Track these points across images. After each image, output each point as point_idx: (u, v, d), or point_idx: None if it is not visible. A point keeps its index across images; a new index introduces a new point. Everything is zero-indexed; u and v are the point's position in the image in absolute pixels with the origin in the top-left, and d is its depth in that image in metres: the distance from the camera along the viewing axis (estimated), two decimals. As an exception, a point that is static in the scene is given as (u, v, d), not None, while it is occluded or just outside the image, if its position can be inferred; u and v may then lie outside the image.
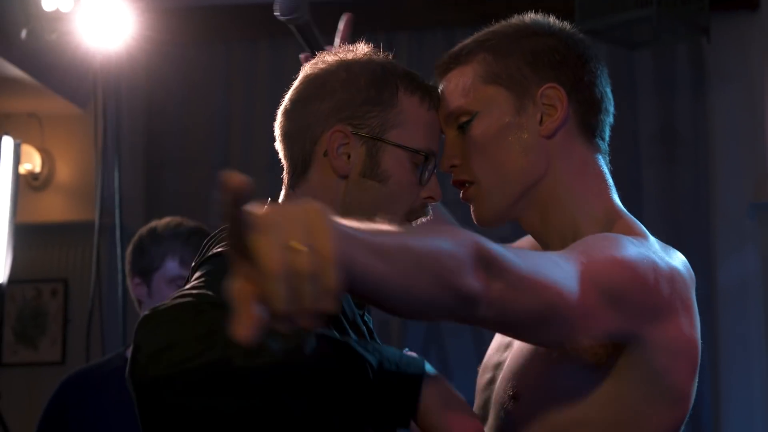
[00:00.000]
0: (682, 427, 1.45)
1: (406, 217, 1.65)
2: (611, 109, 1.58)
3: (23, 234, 4.09)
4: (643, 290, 1.35)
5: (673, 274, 1.41)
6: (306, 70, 1.65)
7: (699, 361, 1.44)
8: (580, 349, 1.36)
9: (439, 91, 1.64)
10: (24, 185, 4.60)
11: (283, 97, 1.78)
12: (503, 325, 1.29)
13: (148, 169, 5.03)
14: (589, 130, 1.55)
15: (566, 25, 1.62)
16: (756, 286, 4.37)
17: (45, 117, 4.84)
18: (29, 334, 4.71)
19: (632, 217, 1.55)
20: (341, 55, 1.65)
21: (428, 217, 1.67)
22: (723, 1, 4.33)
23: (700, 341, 1.43)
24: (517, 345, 1.55)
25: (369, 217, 1.40)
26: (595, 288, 1.26)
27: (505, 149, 1.59)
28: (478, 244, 1.13)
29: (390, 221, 1.40)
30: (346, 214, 1.40)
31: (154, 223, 3.02)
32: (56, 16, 3.87)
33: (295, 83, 1.65)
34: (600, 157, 1.56)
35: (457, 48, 1.63)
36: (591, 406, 1.38)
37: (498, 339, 1.67)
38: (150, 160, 5.06)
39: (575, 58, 1.55)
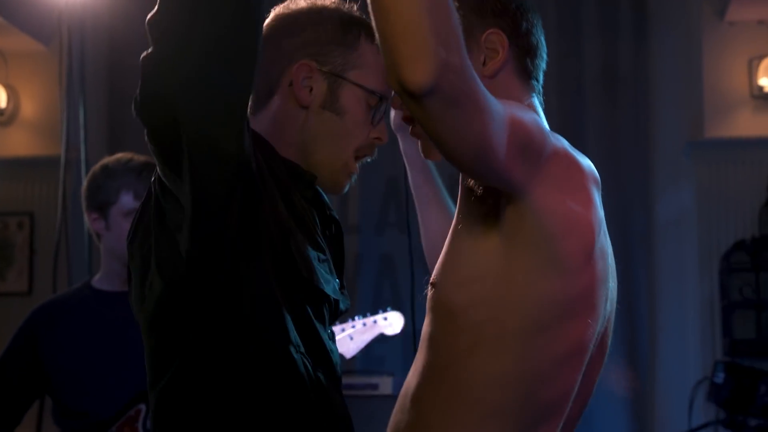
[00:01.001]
0: (594, 331, 1.52)
1: (355, 153, 1.75)
2: (545, 55, 1.69)
3: (-11, 168, 4.03)
4: (540, 151, 1.44)
5: (568, 155, 1.52)
6: (279, 8, 1.74)
7: (596, 247, 1.51)
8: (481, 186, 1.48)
9: None
10: (-11, 120, 4.77)
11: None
12: (443, 124, 1.32)
13: (111, 105, 5.06)
14: (526, 72, 1.66)
15: None
16: (691, 220, 4.54)
17: (10, 54, 4.87)
18: (-4, 265, 4.67)
19: (564, 142, 1.65)
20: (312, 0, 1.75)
21: (373, 156, 1.77)
22: None
23: (598, 231, 1.51)
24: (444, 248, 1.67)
25: (322, 146, 1.69)
26: (515, 132, 1.36)
27: None
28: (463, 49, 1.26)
29: (340, 155, 1.70)
30: (302, 142, 1.66)
31: (105, 160, 3.03)
32: None
33: (267, 19, 1.72)
34: (534, 95, 1.68)
35: None
36: (484, 263, 1.46)
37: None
38: (113, 95, 5.08)
39: (515, 8, 1.65)
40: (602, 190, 1.62)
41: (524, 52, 1.66)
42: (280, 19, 1.73)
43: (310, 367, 1.65)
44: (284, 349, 1.61)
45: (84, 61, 4.57)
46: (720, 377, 4.40)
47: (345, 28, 1.72)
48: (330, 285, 1.74)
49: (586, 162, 1.57)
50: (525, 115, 1.45)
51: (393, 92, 1.67)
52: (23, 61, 4.98)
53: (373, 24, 1.30)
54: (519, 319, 1.44)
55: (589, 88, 4.47)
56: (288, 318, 1.62)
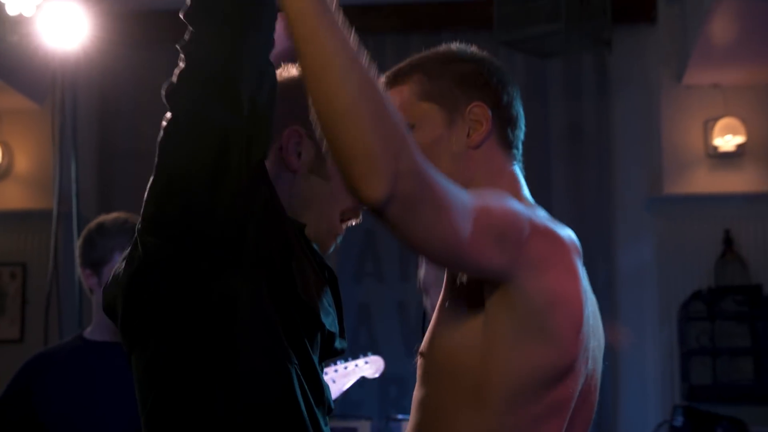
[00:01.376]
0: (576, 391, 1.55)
1: (341, 215, 1.78)
2: (523, 126, 1.73)
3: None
4: (518, 235, 1.47)
5: (549, 232, 1.55)
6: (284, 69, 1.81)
7: (583, 318, 1.54)
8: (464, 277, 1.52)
9: None
10: (-16, 176, 4.93)
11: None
12: (407, 228, 1.35)
13: (101, 160, 5.24)
14: (507, 142, 1.70)
15: (486, 54, 1.78)
16: (651, 272, 4.69)
17: (5, 112, 5.05)
18: (-12, 313, 4.75)
19: (530, 198, 1.74)
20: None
21: (359, 220, 1.81)
22: (624, 14, 4.60)
23: (585, 301, 1.54)
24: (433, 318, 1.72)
25: (309, 209, 1.72)
26: (484, 223, 1.40)
27: (438, 157, 1.65)
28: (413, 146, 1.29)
29: (326, 218, 1.73)
30: (290, 204, 1.67)
31: (101, 219, 3.05)
32: (18, 20, 3.92)
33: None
34: (515, 163, 1.72)
35: (395, 69, 1.78)
36: (471, 336, 1.50)
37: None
38: (103, 151, 5.26)
39: (496, 83, 1.70)
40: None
41: (506, 123, 1.72)
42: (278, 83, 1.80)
43: (308, 393, 1.66)
44: (281, 364, 1.62)
45: (76, 118, 4.60)
46: (679, 421, 4.52)
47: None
48: (329, 317, 1.75)
49: (566, 233, 1.61)
50: (497, 201, 1.48)
51: None
52: (18, 119, 5.12)
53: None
54: (504, 387, 1.49)
55: (554, 144, 4.66)
56: (283, 337, 1.62)
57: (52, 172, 4.60)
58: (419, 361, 1.65)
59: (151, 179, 1.51)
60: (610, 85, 5.23)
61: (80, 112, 4.70)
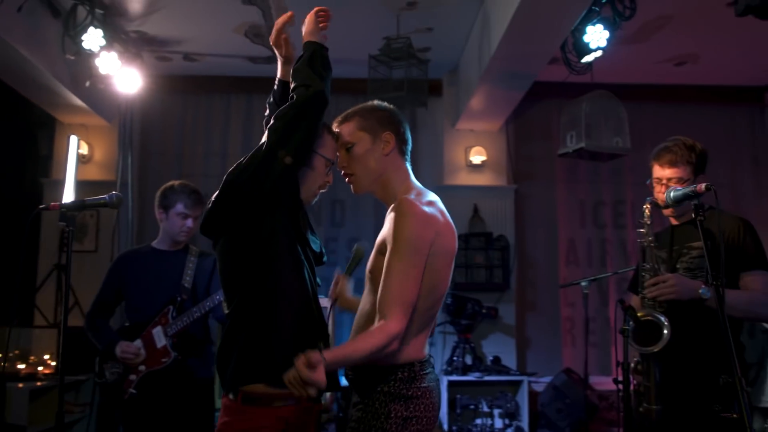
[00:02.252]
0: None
1: (319, 186, 2.32)
2: (410, 143, 2.31)
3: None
4: (430, 229, 2.06)
5: (429, 211, 2.08)
6: None
7: (453, 258, 2.15)
8: None
9: (337, 132, 2.33)
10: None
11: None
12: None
13: (142, 157, 6.35)
14: (402, 152, 2.27)
15: (392, 106, 2.33)
16: None
17: (90, 125, 6.17)
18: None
19: (417, 183, 2.29)
20: None
21: (326, 190, 2.36)
22: (432, 90, 5.56)
23: (456, 247, 2.16)
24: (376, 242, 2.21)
25: (304, 183, 2.27)
26: (420, 255, 2.03)
27: (367, 160, 2.25)
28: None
29: (311, 188, 2.29)
30: (303, 183, 2.26)
31: (171, 183, 3.63)
32: (105, 73, 4.98)
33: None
34: (407, 163, 2.29)
35: (344, 114, 2.32)
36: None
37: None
38: (143, 152, 6.39)
39: (397, 122, 2.27)
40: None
41: (402, 142, 2.26)
42: None
43: (309, 273, 2.23)
44: (297, 255, 2.21)
45: (131, 132, 5.98)
46: (449, 300, 5.69)
47: (318, 127, 2.27)
48: (316, 244, 2.36)
49: (435, 201, 2.18)
50: (424, 233, 2.05)
51: (336, 158, 2.32)
52: (96, 130, 6.21)
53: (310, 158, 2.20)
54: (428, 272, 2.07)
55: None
56: (299, 248, 2.21)
57: (116, 160, 6.01)
58: (368, 276, 2.18)
59: (245, 157, 2.18)
60: (416, 125, 6.47)
61: (132, 128, 6.07)
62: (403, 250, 2.03)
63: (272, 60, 6.07)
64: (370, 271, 2.19)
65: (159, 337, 3.49)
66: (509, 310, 6.23)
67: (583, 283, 4.79)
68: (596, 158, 5.31)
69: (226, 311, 2.22)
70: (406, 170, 2.27)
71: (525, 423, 5.68)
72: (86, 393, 5.32)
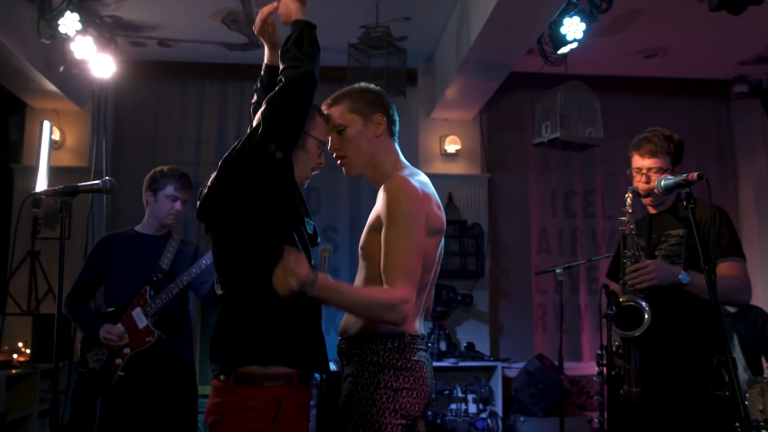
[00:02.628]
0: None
1: (312, 168, 2.31)
2: (398, 124, 2.35)
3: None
4: (423, 205, 2.10)
5: (422, 188, 2.14)
6: None
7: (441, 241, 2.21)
8: None
9: (327, 114, 2.32)
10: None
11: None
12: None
13: (114, 142, 6.28)
14: (392, 133, 2.32)
15: (379, 88, 2.36)
16: None
17: (62, 111, 6.06)
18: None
19: (407, 163, 2.33)
20: None
21: (318, 172, 2.34)
22: (407, 79, 5.40)
23: (445, 225, 2.20)
24: (368, 220, 2.23)
25: (297, 166, 2.24)
26: (419, 227, 2.07)
27: (359, 142, 2.27)
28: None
29: (304, 170, 2.27)
30: (294, 162, 2.23)
31: (161, 167, 3.70)
32: (80, 58, 4.99)
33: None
34: (396, 142, 2.33)
35: (334, 95, 2.35)
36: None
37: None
38: (116, 137, 6.34)
39: (387, 104, 2.30)
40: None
41: (391, 124, 2.31)
42: None
43: (304, 254, 2.10)
44: (291, 236, 2.20)
45: (105, 117, 5.98)
46: None
47: (309, 109, 2.25)
48: (310, 225, 2.33)
49: (424, 181, 2.23)
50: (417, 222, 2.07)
51: (329, 140, 2.31)
52: (69, 116, 6.10)
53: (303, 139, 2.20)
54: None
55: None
56: (292, 229, 2.21)
57: (89, 146, 5.98)
58: (361, 252, 2.21)
59: (239, 142, 2.19)
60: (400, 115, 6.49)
61: (106, 114, 6.08)
62: (401, 224, 2.06)
63: (248, 47, 6.08)
64: (363, 248, 2.22)
65: (140, 317, 3.50)
66: (483, 297, 6.30)
67: (558, 271, 4.90)
68: (568, 148, 5.41)
69: (219, 292, 2.23)
70: (396, 151, 2.31)
71: (499, 408, 5.76)
72: (62, 380, 5.25)
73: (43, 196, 2.79)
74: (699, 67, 6.59)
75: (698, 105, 7.05)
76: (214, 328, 2.21)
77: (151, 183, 3.63)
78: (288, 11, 2.31)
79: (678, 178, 2.57)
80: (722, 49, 6.10)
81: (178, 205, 3.64)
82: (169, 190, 3.59)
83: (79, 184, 2.66)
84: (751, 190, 6.94)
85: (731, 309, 4.84)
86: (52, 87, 5.51)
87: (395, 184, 2.11)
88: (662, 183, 2.68)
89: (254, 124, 2.24)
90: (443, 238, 2.30)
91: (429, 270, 2.18)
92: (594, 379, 4.82)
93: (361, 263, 2.24)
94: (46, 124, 5.61)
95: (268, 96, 2.18)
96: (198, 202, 2.30)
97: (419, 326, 2.23)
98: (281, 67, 2.21)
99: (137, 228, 3.70)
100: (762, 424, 3.94)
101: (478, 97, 5.94)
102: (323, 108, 2.34)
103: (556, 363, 5.58)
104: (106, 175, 5.11)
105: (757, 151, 6.95)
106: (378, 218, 2.15)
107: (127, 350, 3.49)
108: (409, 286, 2.02)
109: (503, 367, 5.92)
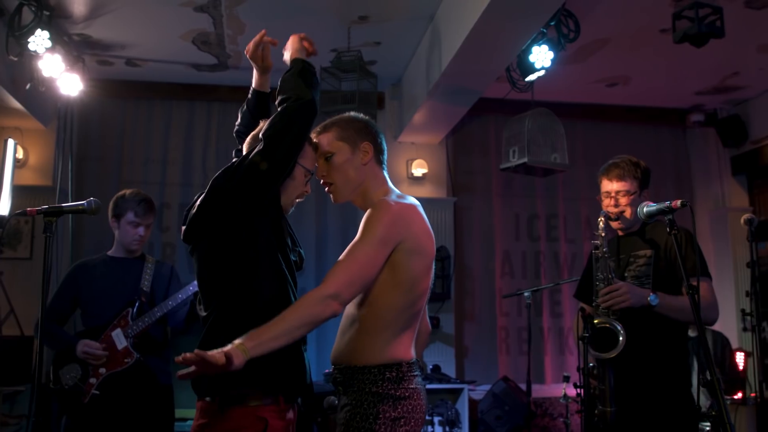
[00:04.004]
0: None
1: (297, 196, 2.35)
2: (386, 152, 2.38)
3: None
4: (399, 225, 2.13)
5: (403, 210, 2.18)
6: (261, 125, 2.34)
7: (432, 262, 2.24)
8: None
9: (316, 142, 2.36)
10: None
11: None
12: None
13: (78, 160, 6.11)
14: (380, 161, 2.36)
15: (368, 118, 2.40)
16: None
17: (25, 129, 5.95)
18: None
19: (396, 190, 2.37)
20: None
21: (303, 200, 2.37)
22: (377, 102, 5.36)
23: (434, 251, 2.24)
24: None
25: (285, 193, 2.27)
26: (382, 244, 2.08)
27: (346, 169, 2.32)
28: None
29: (290, 197, 2.29)
30: (280, 189, 2.26)
31: (122, 192, 3.67)
32: (46, 76, 4.94)
33: (260, 124, 2.38)
34: (384, 170, 2.38)
35: (323, 123, 2.39)
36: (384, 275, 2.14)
37: None
38: (79, 156, 6.16)
39: (374, 132, 2.36)
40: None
41: (379, 152, 2.36)
42: None
43: (289, 278, 2.25)
44: (277, 260, 2.23)
45: (69, 135, 5.88)
46: None
47: (308, 135, 2.30)
48: (295, 253, 2.41)
49: (418, 205, 2.29)
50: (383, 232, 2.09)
51: (315, 168, 2.34)
52: (32, 133, 6.00)
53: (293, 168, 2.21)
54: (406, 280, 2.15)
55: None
56: (278, 254, 2.23)
57: (52, 165, 5.90)
58: None
59: (230, 167, 2.19)
60: None
61: (72, 132, 5.97)
62: (365, 235, 2.10)
63: (217, 68, 6.09)
64: None
65: (119, 338, 3.48)
66: (449, 320, 6.34)
67: (526, 294, 4.97)
68: (531, 173, 5.51)
69: (203, 314, 2.23)
70: (384, 178, 2.34)
71: (465, 430, 5.77)
72: (22, 404, 5.15)
73: (17, 214, 2.69)
74: (658, 96, 6.79)
75: (656, 132, 7.24)
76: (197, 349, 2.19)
77: (113, 209, 3.62)
78: (291, 48, 2.42)
79: (661, 205, 2.65)
80: (680, 79, 6.30)
81: (141, 230, 3.63)
82: (130, 216, 3.58)
83: (63, 204, 2.63)
84: (707, 216, 7.11)
85: (691, 333, 4.96)
86: (16, 104, 5.42)
87: (375, 206, 2.16)
88: (644, 210, 2.75)
89: (247, 147, 2.29)
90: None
91: (416, 288, 2.19)
92: (561, 401, 4.96)
93: None
94: (11, 143, 5.51)
95: (270, 119, 2.21)
96: (184, 224, 2.29)
97: (413, 352, 2.24)
98: (281, 95, 2.25)
99: (110, 253, 3.68)
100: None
101: (446, 122, 6.00)
102: (312, 135, 2.37)
103: (522, 385, 5.71)
104: (70, 195, 5.48)
105: (712, 177, 7.15)
106: None
107: (102, 370, 3.45)
108: (343, 285, 2.04)
109: (469, 390, 5.94)
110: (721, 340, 5.24)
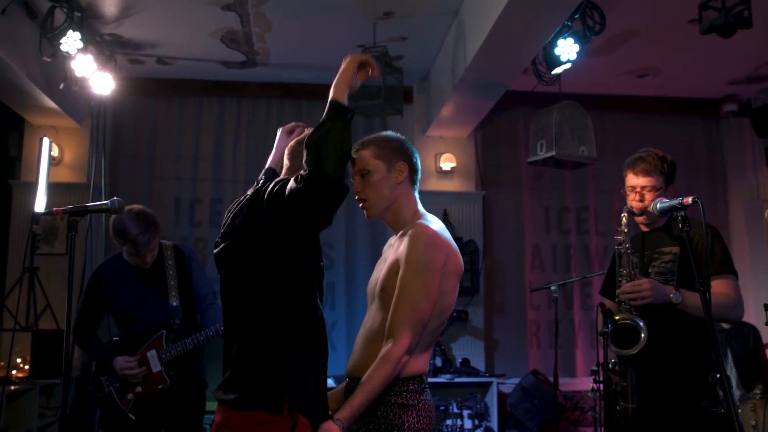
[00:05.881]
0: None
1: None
2: (420, 172, 2.42)
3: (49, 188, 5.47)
4: (442, 251, 2.18)
5: (441, 232, 2.24)
6: (306, 132, 2.38)
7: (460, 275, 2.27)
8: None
9: (353, 158, 2.35)
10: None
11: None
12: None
13: (112, 159, 6.25)
14: (413, 181, 2.40)
15: (402, 137, 2.43)
16: None
17: (60, 127, 6.11)
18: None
19: (424, 210, 2.40)
20: None
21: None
22: (405, 97, 5.79)
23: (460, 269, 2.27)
24: (387, 263, 2.29)
25: None
26: (436, 273, 2.15)
27: (381, 188, 2.34)
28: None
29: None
30: None
31: (113, 220, 3.46)
32: (79, 76, 4.99)
33: (301, 136, 2.41)
34: (416, 191, 2.41)
35: (361, 141, 2.40)
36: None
37: (375, 269, 2.43)
38: (114, 154, 6.30)
39: (410, 153, 2.39)
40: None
41: (413, 172, 2.40)
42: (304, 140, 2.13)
43: (320, 304, 2.26)
44: (312, 288, 2.22)
45: (103, 134, 5.97)
46: None
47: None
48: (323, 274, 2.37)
49: (444, 227, 2.33)
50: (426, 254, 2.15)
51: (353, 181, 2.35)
52: (67, 131, 6.16)
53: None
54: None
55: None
56: (315, 284, 2.23)
57: (86, 162, 6.03)
58: (380, 294, 2.26)
59: (289, 190, 2.02)
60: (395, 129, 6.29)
61: (105, 130, 6.05)
62: (418, 270, 2.14)
63: (246, 65, 6.16)
64: (383, 290, 2.26)
65: (154, 361, 3.50)
66: (478, 314, 6.33)
67: (553, 287, 4.95)
68: (561, 166, 5.49)
69: (226, 329, 2.25)
70: (415, 199, 2.38)
71: (494, 423, 5.78)
72: (58, 396, 5.26)
73: (44, 213, 2.72)
74: (689, 86, 6.68)
75: (689, 124, 7.14)
76: (232, 360, 2.19)
77: (113, 235, 3.50)
78: (340, 75, 2.11)
79: (673, 202, 2.63)
80: (712, 69, 6.20)
81: (144, 258, 3.53)
82: (129, 248, 3.47)
83: (88, 204, 2.68)
84: (741, 208, 7.02)
85: (725, 325, 4.91)
86: (51, 104, 5.54)
87: (418, 232, 2.19)
88: (658, 206, 2.73)
89: (288, 154, 2.34)
90: None
91: (446, 311, 2.25)
92: (588, 395, 4.92)
93: (378, 304, 2.28)
94: (46, 141, 5.66)
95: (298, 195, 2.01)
96: (220, 240, 2.27)
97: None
98: (309, 149, 1.98)
99: (126, 256, 3.58)
100: (754, 439, 3.99)
101: (474, 116, 5.99)
102: (353, 152, 2.37)
103: (551, 379, 5.70)
104: (104, 191, 5.56)
105: (747, 169, 7.04)
106: (397, 262, 2.21)
107: (139, 389, 3.48)
108: (412, 336, 2.12)
109: (498, 383, 5.94)
110: (754, 333, 5.14)
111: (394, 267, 2.23)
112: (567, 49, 4.65)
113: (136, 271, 3.55)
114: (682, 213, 2.57)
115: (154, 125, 6.56)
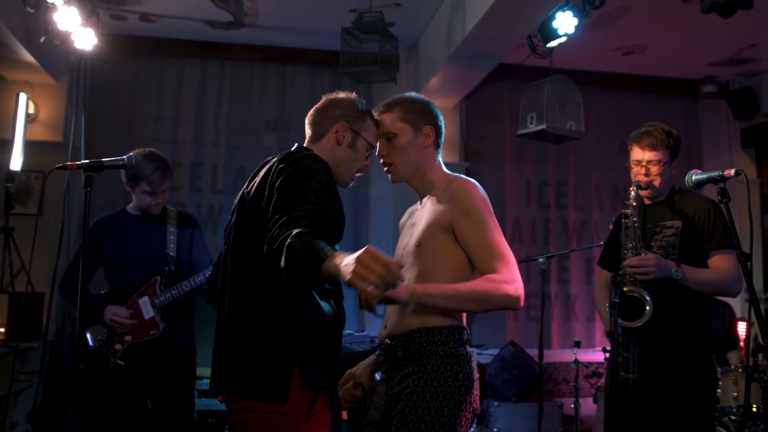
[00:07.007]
0: None
1: (358, 170, 2.27)
2: (443, 137, 2.39)
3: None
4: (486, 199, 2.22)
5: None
6: (329, 95, 2.32)
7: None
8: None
9: (379, 120, 2.35)
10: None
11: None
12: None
13: (89, 117, 5.83)
14: (437, 144, 2.38)
15: (427, 99, 2.38)
16: (391, 197, 6.05)
17: (36, 83, 5.87)
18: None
19: (448, 171, 2.37)
20: (344, 95, 2.29)
21: (363, 173, 2.27)
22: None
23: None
24: (421, 222, 2.26)
25: (342, 165, 2.19)
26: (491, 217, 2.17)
27: (408, 152, 2.33)
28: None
29: (349, 170, 2.22)
30: (334, 160, 2.15)
31: (136, 154, 3.28)
32: (62, 30, 4.82)
33: (322, 98, 2.31)
34: (439, 153, 2.39)
35: (386, 102, 2.38)
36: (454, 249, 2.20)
37: (402, 237, 2.42)
38: (90, 111, 5.90)
39: (435, 115, 2.37)
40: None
41: (438, 135, 2.38)
42: (331, 100, 2.28)
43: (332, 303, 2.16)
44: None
45: (82, 90, 5.75)
46: None
47: (362, 110, 2.28)
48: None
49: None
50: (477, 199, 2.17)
51: (377, 144, 2.31)
52: (43, 88, 5.94)
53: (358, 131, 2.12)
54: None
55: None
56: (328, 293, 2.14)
57: (63, 120, 5.85)
58: (416, 249, 2.22)
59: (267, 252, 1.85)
60: (376, 101, 5.47)
61: (85, 88, 5.76)
62: (485, 218, 2.16)
63: (232, 25, 6.03)
64: (420, 245, 2.20)
65: (146, 307, 3.47)
66: (458, 285, 6.31)
67: (540, 260, 5.00)
68: (544, 139, 5.52)
69: (224, 305, 2.13)
70: (440, 162, 2.36)
71: (473, 392, 5.80)
72: (33, 360, 5.16)
73: (18, 171, 2.61)
74: (672, 66, 6.78)
75: (668, 103, 7.23)
76: (227, 345, 2.08)
77: (128, 176, 3.51)
78: (350, 266, 1.63)
79: (712, 174, 2.66)
80: (696, 49, 6.29)
81: (158, 197, 3.55)
82: (145, 186, 3.47)
83: (104, 159, 2.61)
84: (714, 187, 7.09)
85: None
86: (29, 58, 5.33)
87: (463, 184, 2.20)
88: (693, 177, 2.76)
89: (310, 120, 2.24)
90: None
91: None
92: (571, 365, 5.04)
93: (412, 260, 2.21)
94: (23, 96, 5.51)
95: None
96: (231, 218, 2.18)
97: None
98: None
99: (130, 209, 3.61)
100: (734, 410, 4.14)
101: (462, 87, 5.97)
102: (375, 113, 2.35)
103: (529, 350, 5.81)
104: (83, 151, 5.39)
105: (722, 149, 7.18)
106: (444, 216, 2.17)
107: (128, 337, 3.45)
108: (513, 270, 2.11)
109: (476, 353, 5.99)
110: (729, 312, 5.31)
111: (441, 221, 2.17)
112: (565, 22, 4.65)
113: (137, 223, 3.53)
114: (722, 185, 2.59)
115: (134, 84, 6.41)
